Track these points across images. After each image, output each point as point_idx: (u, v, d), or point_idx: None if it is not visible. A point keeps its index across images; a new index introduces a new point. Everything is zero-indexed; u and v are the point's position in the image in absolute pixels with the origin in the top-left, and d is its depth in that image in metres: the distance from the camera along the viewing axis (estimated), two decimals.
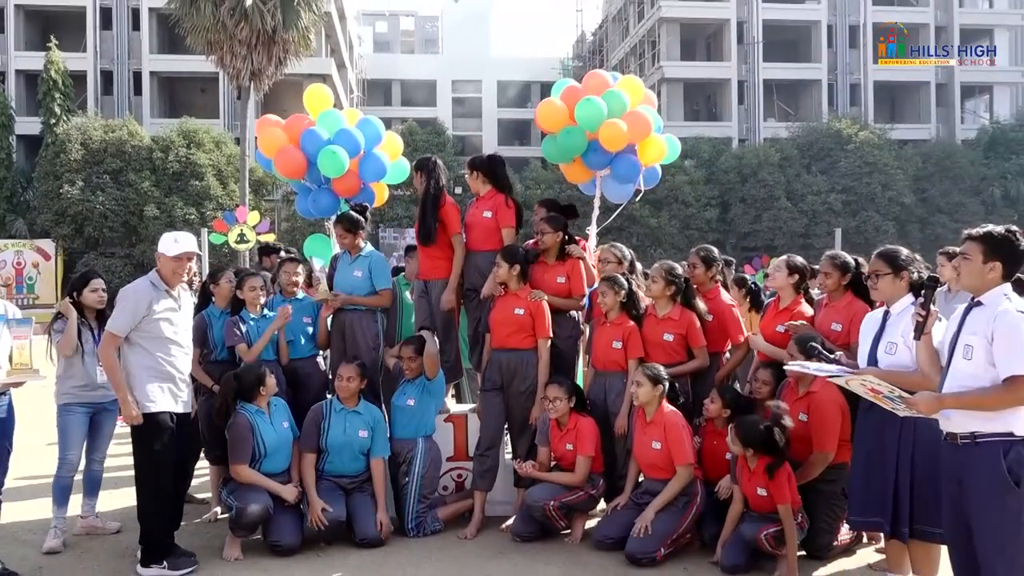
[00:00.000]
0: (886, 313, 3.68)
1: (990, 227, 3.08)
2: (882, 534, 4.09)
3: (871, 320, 3.83)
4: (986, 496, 2.92)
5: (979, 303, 3.04)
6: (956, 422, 3.01)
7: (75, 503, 4.84)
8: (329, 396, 5.15)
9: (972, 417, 2.96)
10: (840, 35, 34.25)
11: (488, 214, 5.10)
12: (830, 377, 3.43)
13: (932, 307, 3.17)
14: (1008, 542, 2.89)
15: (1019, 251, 3.01)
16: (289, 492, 4.59)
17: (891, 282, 3.72)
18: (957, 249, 3.95)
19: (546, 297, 4.93)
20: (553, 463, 4.86)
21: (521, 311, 4.86)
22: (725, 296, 5.16)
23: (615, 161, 5.97)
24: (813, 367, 3.57)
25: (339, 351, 5.21)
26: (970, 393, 2.94)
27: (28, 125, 27.78)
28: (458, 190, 22.33)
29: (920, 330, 3.17)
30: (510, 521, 4.91)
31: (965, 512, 2.99)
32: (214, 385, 4.98)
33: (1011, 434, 2.90)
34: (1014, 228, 3.09)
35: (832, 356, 3.64)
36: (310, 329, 5.28)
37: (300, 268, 5.46)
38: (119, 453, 5.84)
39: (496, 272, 4.88)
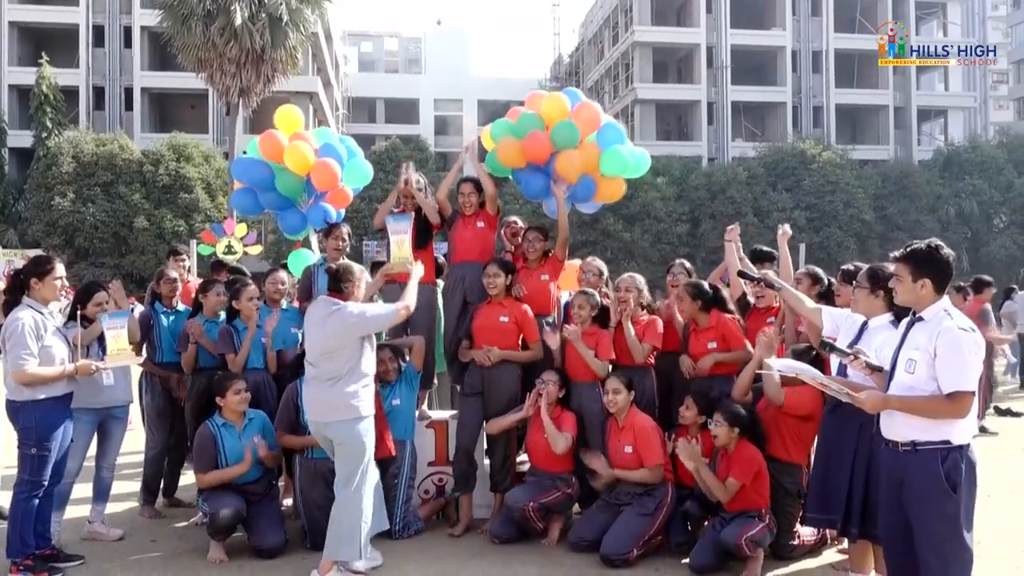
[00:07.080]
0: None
1: (914, 245, 3.10)
2: (845, 536, 4.15)
3: (883, 326, 3.65)
4: (926, 500, 3.02)
5: (920, 318, 3.09)
6: (897, 431, 3.11)
7: (70, 511, 4.82)
8: None
9: (912, 427, 3.05)
10: (804, 60, 35.54)
11: (481, 223, 5.37)
12: (790, 372, 3.53)
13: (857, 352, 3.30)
14: (943, 542, 3.02)
15: (943, 262, 3.06)
16: (265, 454, 4.67)
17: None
18: (851, 267, 4.28)
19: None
20: (528, 464, 5.07)
21: (506, 319, 4.99)
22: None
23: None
24: (795, 369, 3.54)
25: None
26: (916, 399, 3.02)
27: (20, 138, 28.36)
28: None
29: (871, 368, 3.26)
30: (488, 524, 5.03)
31: (903, 512, 3.10)
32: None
33: (948, 442, 3.01)
34: (936, 242, 3.10)
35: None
36: (298, 338, 5.28)
37: (285, 277, 5.47)
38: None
39: (495, 282, 5.00)
